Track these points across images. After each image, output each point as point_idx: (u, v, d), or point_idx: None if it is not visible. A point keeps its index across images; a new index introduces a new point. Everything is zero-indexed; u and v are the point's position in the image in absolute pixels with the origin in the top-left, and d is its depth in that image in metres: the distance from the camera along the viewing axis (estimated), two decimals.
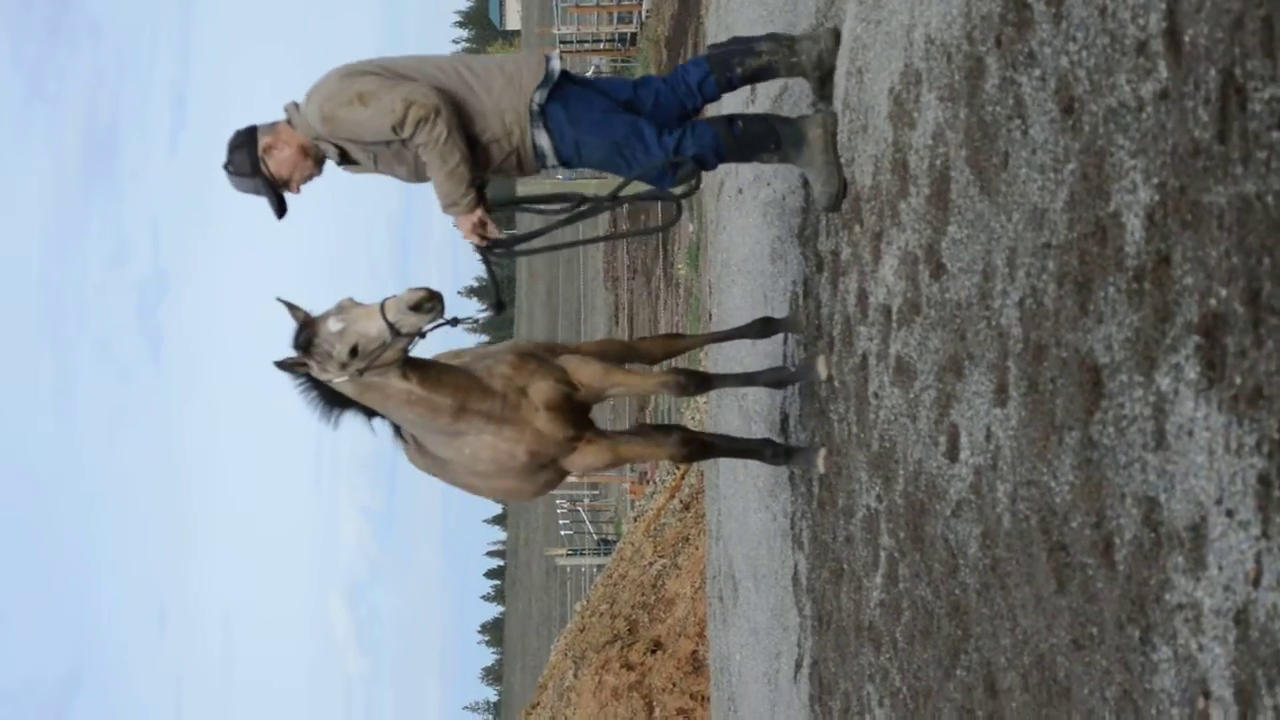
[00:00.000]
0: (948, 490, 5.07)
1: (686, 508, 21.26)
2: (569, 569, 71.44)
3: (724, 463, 11.90)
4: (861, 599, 6.41)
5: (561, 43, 49.32)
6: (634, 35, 45.12)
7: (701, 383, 8.10)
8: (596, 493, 64.86)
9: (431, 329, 6.69)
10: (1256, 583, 2.98)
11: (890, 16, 5.88)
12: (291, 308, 6.66)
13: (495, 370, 7.15)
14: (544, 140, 7.03)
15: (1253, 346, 3.00)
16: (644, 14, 40.80)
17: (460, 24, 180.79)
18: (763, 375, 8.09)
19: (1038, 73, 4.16)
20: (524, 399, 7.13)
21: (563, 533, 71.16)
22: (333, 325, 6.50)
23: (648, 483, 31.78)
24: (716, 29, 12.79)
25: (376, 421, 7.10)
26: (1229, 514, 3.07)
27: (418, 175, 7.14)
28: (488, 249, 7.28)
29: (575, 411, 7.34)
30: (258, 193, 7.08)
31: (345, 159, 7.12)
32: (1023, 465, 4.29)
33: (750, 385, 8.48)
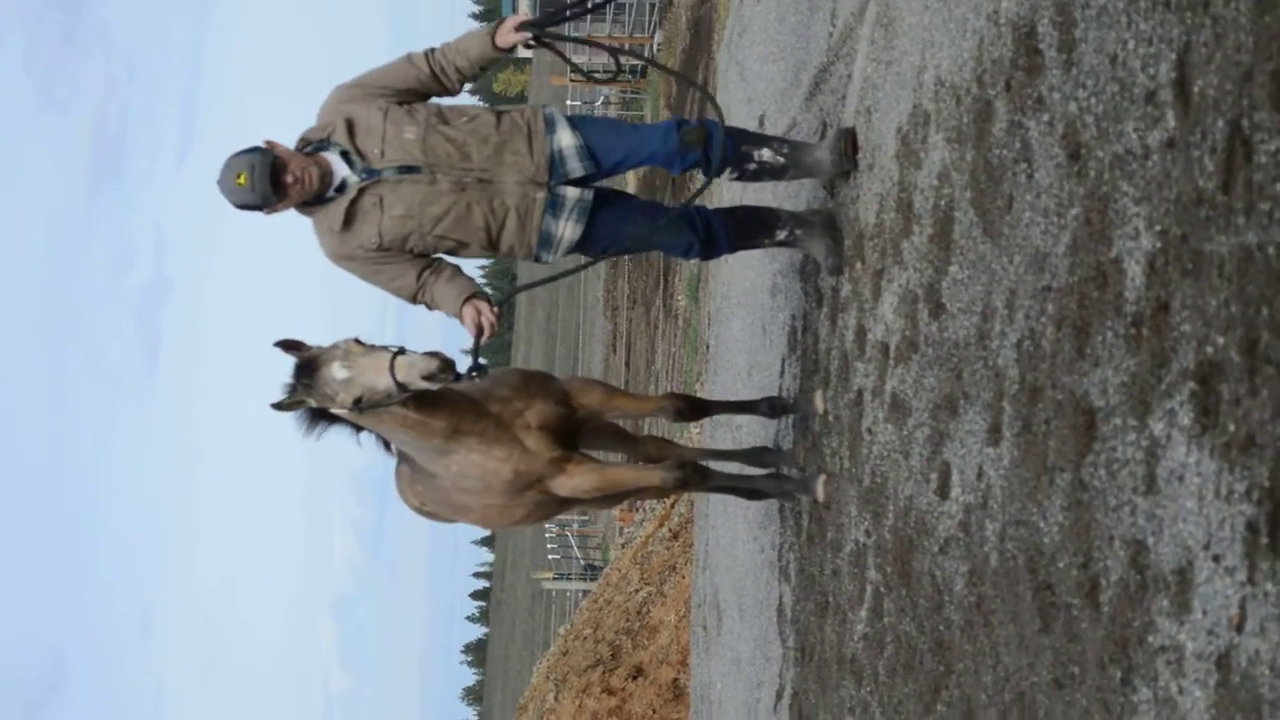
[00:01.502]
0: (937, 527, 5.07)
1: (675, 536, 21.25)
2: (554, 593, 71.27)
3: (715, 494, 11.90)
4: (845, 632, 6.40)
5: (572, 74, 49.26)
6: (644, 68, 45.19)
7: (698, 409, 8.09)
8: (585, 518, 64.73)
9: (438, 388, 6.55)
10: (1240, 628, 2.98)
11: (901, 57, 5.89)
12: (291, 346, 6.52)
13: (494, 393, 7.06)
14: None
15: (1247, 395, 3.01)
16: (655, 47, 40.84)
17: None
18: (759, 405, 8.03)
19: (1046, 117, 4.17)
20: (519, 419, 7.04)
21: (550, 557, 71.02)
22: (338, 372, 6.35)
23: (637, 510, 31.75)
24: (728, 65, 12.82)
25: (364, 436, 6.96)
26: (1215, 559, 3.07)
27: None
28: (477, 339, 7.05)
29: (568, 433, 7.25)
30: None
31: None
32: (1013, 505, 4.29)
33: (746, 414, 8.41)
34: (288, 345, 6.53)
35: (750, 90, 10.95)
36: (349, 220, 6.79)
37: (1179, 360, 3.28)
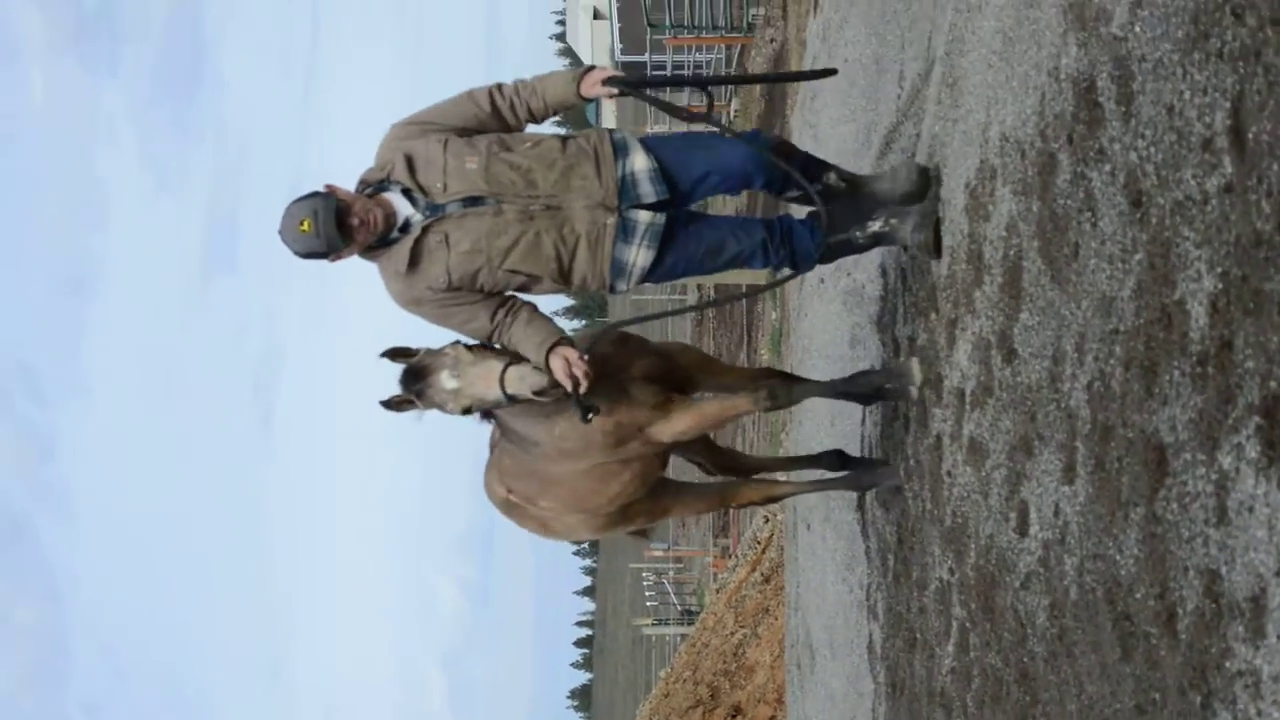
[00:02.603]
0: (1017, 563, 5.04)
1: (767, 580, 21.21)
2: (654, 638, 71.14)
3: (802, 536, 11.87)
4: (934, 667, 6.37)
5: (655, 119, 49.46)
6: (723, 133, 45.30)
7: (796, 393, 7.43)
8: (681, 565, 64.64)
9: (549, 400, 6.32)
10: None
11: (967, 115, 5.90)
12: (399, 354, 6.35)
13: (596, 349, 6.52)
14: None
15: None
16: (732, 114, 40.96)
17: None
18: (856, 381, 7.31)
19: (1108, 168, 4.17)
20: (623, 372, 6.72)
21: (648, 603, 70.89)
22: (448, 382, 6.16)
23: (730, 556, 31.69)
24: (801, 128, 12.86)
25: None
26: None
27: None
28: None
29: (671, 382, 6.90)
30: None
31: None
32: (1090, 540, 4.27)
33: (840, 398, 7.72)
34: (395, 354, 6.36)
35: (824, 151, 10.95)
36: (415, 261, 6.36)
37: (1244, 396, 3.27)
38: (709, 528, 49.43)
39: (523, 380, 6.13)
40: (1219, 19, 3.43)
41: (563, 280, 6.50)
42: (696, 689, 20.04)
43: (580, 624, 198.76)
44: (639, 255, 6.48)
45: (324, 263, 6.41)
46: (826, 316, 10.01)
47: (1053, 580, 4.61)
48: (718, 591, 29.31)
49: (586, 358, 6.31)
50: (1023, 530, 4.97)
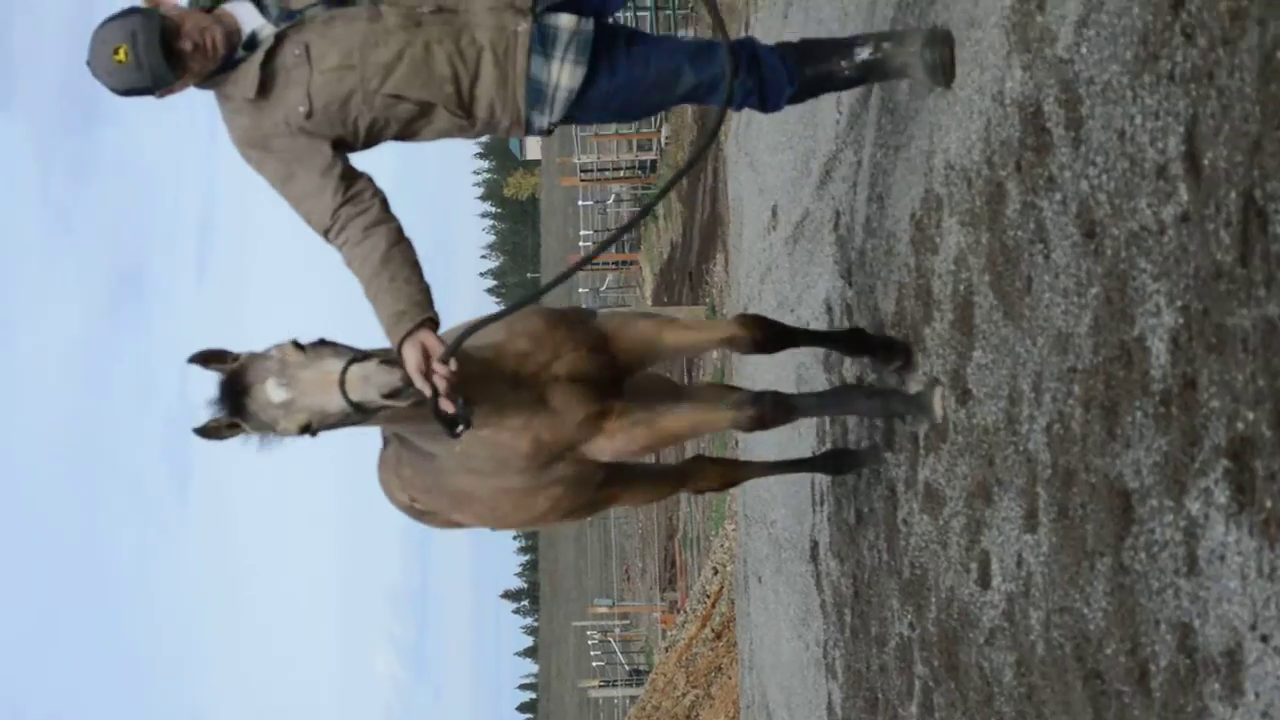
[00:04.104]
0: (980, 617, 5.04)
1: (718, 636, 21.18)
2: (601, 700, 70.92)
3: (754, 589, 11.86)
4: None
5: (582, 171, 49.68)
6: (654, 163, 45.44)
7: (780, 337, 6.20)
8: (627, 623, 64.50)
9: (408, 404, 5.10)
10: None
11: (909, 142, 5.92)
12: (211, 359, 5.09)
13: (510, 346, 5.61)
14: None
15: None
16: (664, 141, 41.08)
17: (480, 155, 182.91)
18: (836, 336, 6.62)
19: (1058, 197, 4.19)
20: (543, 374, 5.62)
21: (594, 664, 70.72)
22: (274, 393, 4.92)
23: (679, 612, 31.61)
24: (736, 155, 12.90)
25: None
26: (1264, 639, 3.05)
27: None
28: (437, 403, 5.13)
29: (608, 384, 5.79)
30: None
31: None
32: (1055, 592, 4.27)
33: (827, 347, 6.95)
34: (207, 359, 5.10)
35: (761, 181, 11.02)
36: (266, 85, 5.16)
37: (1210, 437, 3.27)
38: (655, 581, 49.36)
39: (368, 381, 4.91)
40: (1168, 39, 3.44)
41: (462, 112, 5.34)
42: None
43: (523, 687, 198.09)
44: (563, 73, 5.35)
45: (151, 100, 5.23)
46: (774, 359, 10.00)
47: (1018, 635, 4.61)
48: (667, 650, 29.24)
49: (453, 364, 5.08)
50: (985, 582, 4.97)
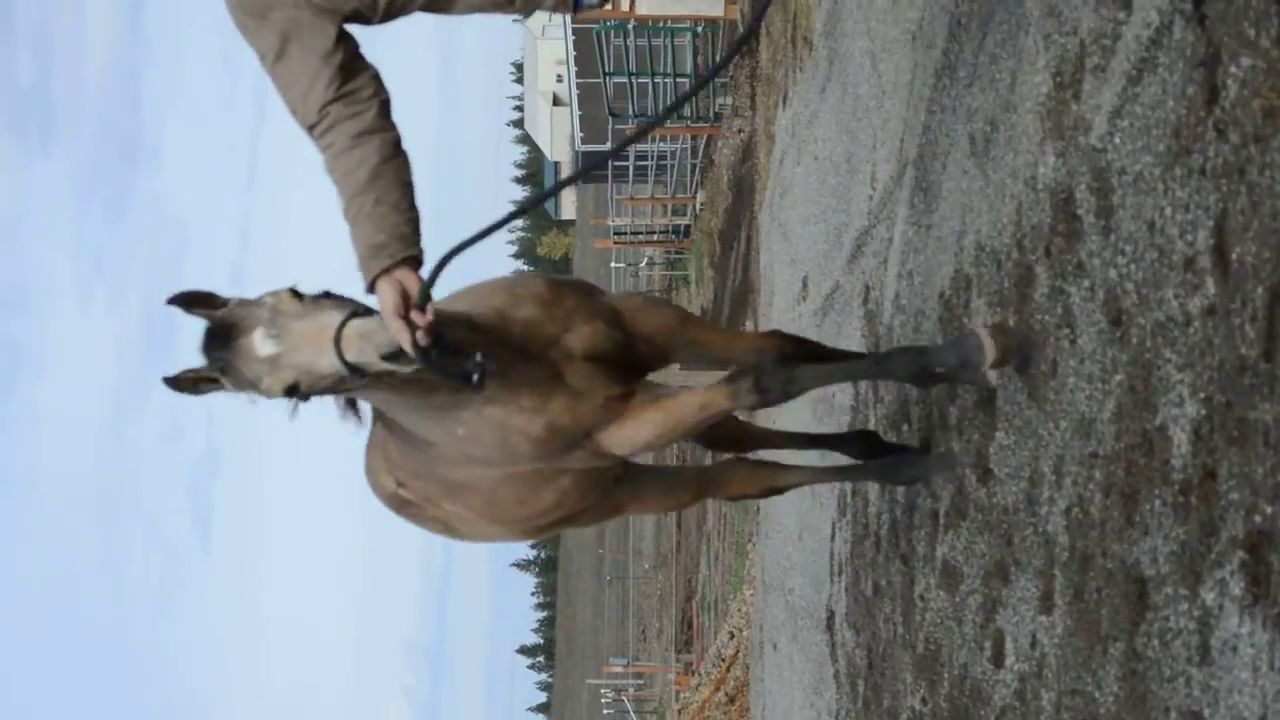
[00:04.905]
0: (992, 696, 5.03)
1: (732, 701, 21.08)
2: None
3: (769, 655, 11.83)
4: None
5: (615, 234, 49.58)
6: (688, 228, 45.42)
7: (809, 359, 5.50)
8: (642, 682, 64.28)
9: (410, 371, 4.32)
10: None
11: (941, 222, 5.94)
12: (196, 301, 4.29)
13: (514, 313, 4.89)
14: None
15: None
16: (698, 207, 41.11)
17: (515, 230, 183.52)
18: (893, 360, 5.47)
19: (1087, 283, 4.20)
20: (555, 347, 4.91)
21: None
22: (261, 345, 4.18)
23: (694, 674, 31.53)
24: (769, 225, 12.94)
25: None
26: None
27: None
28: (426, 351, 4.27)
29: (627, 369, 5.13)
30: None
31: None
32: (1068, 674, 4.26)
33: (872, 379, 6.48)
34: (190, 301, 4.30)
35: (793, 251, 11.05)
36: None
37: (1228, 529, 3.28)
38: (670, 642, 49.20)
39: (367, 339, 4.20)
40: (1201, 134, 3.47)
41: None
42: None
43: None
44: None
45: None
46: (789, 426, 10.01)
47: (1029, 716, 4.60)
48: (680, 711, 29.16)
49: (432, 310, 4.32)
50: (998, 661, 4.96)
